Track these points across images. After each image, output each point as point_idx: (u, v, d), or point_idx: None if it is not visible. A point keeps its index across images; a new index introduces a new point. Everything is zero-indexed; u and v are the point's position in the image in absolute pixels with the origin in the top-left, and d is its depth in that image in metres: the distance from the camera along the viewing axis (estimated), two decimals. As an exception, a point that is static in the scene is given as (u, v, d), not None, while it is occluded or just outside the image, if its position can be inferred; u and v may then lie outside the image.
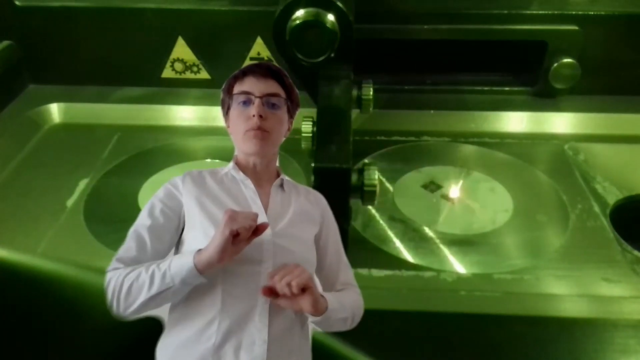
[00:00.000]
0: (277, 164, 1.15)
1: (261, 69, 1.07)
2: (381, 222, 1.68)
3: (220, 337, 0.92)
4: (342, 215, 1.47)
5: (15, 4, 2.15)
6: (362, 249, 1.57)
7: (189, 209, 1.03)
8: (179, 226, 1.03)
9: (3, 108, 2.15)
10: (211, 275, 0.92)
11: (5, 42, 2.20)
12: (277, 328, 0.95)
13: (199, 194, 1.03)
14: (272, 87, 1.06)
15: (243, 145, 1.06)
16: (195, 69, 2.24)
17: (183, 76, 2.25)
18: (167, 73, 2.25)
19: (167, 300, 0.94)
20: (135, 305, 0.93)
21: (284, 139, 1.12)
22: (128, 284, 0.92)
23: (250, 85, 1.05)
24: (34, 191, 1.79)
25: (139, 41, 2.20)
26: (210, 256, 0.89)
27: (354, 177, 1.47)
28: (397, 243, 1.60)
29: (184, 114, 2.16)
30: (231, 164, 1.10)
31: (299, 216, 1.07)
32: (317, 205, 1.13)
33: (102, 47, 2.22)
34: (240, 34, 2.15)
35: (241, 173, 1.07)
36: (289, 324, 0.98)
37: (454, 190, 1.80)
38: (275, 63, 2.16)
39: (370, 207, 1.69)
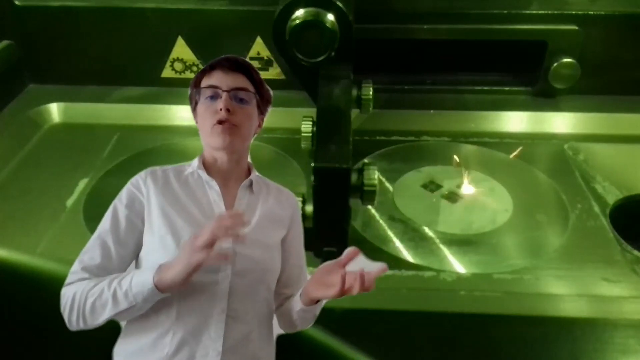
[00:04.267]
0: (249, 159, 1.11)
1: (229, 63, 1.04)
2: (381, 222, 1.68)
3: (174, 348, 0.92)
4: (342, 215, 1.47)
5: (15, 3, 2.15)
6: (362, 249, 1.54)
7: (148, 211, 1.00)
8: (143, 229, 1.00)
9: (3, 108, 2.15)
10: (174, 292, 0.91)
11: (5, 42, 2.20)
12: (233, 338, 0.94)
13: (160, 197, 1.00)
14: (240, 81, 1.03)
15: (210, 139, 1.01)
16: (195, 68, 2.24)
17: (183, 76, 2.25)
18: (167, 73, 2.25)
19: (132, 315, 0.93)
20: (99, 321, 0.92)
21: (254, 135, 1.08)
22: (91, 300, 0.91)
23: (218, 79, 1.02)
24: (34, 191, 1.79)
25: (139, 41, 2.20)
26: (173, 280, 0.87)
27: (354, 177, 1.47)
28: (397, 243, 1.60)
29: (184, 114, 2.15)
30: (196, 161, 1.06)
31: (266, 220, 1.04)
32: (288, 206, 1.10)
33: (102, 47, 2.22)
34: (240, 33, 2.15)
35: (205, 173, 1.04)
36: (246, 332, 0.97)
37: (454, 190, 1.80)
38: (275, 63, 2.18)
39: (370, 207, 1.69)
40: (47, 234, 1.60)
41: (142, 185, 1.02)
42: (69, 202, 1.74)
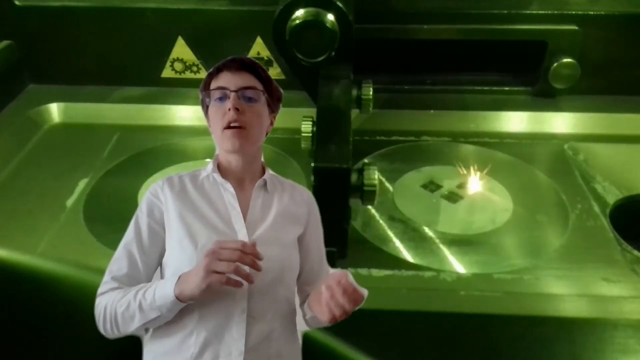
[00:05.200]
0: (262, 159, 1.12)
1: (235, 63, 1.05)
2: (381, 222, 1.68)
3: (199, 348, 0.94)
4: (342, 215, 1.47)
5: (15, 4, 2.15)
6: (362, 249, 1.57)
7: (167, 218, 1.02)
8: (165, 236, 1.03)
9: (3, 108, 2.15)
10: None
11: (5, 42, 2.20)
12: (255, 337, 0.95)
13: (177, 202, 1.02)
14: (248, 80, 1.03)
15: (222, 143, 1.03)
16: (195, 68, 2.24)
17: (183, 76, 2.25)
18: (167, 73, 2.25)
19: (161, 322, 0.96)
20: (131, 329, 0.96)
21: (266, 135, 1.09)
22: (120, 311, 0.95)
23: (225, 80, 1.03)
24: (34, 191, 1.79)
25: (139, 41, 2.20)
26: (192, 294, 0.90)
27: (354, 177, 1.47)
28: (397, 243, 1.60)
29: (184, 114, 2.16)
30: (211, 165, 1.07)
31: (282, 218, 1.05)
32: (303, 204, 1.10)
33: (102, 47, 2.22)
34: (240, 33, 2.15)
35: (220, 176, 1.05)
36: (268, 331, 0.98)
37: (454, 190, 1.80)
38: (275, 63, 2.18)
39: (370, 207, 1.69)
40: (47, 234, 1.60)
41: (160, 193, 1.04)
42: (69, 202, 1.74)
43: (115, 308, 0.95)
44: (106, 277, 1.00)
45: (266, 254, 0.97)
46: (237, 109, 1.00)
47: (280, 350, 0.99)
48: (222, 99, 1.02)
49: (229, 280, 0.88)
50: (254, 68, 1.05)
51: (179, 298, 0.90)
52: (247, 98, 1.02)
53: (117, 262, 1.01)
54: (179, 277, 0.91)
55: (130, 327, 0.95)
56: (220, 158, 1.08)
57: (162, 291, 0.92)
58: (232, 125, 1.00)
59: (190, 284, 0.89)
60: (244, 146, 1.02)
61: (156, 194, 1.04)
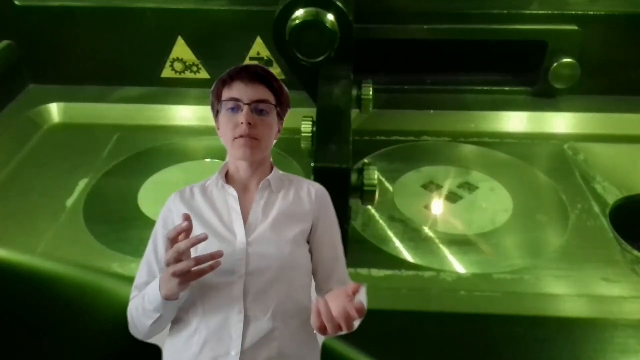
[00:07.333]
0: (271, 159, 1.14)
1: (249, 74, 1.06)
2: (381, 222, 1.68)
3: (199, 347, 0.96)
4: (342, 215, 1.47)
5: (15, 3, 2.15)
6: (361, 248, 1.57)
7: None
8: None
9: (3, 108, 2.15)
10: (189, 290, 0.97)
11: (5, 42, 2.20)
12: (253, 337, 0.96)
13: (184, 211, 1.03)
14: (261, 92, 1.05)
15: (233, 151, 1.06)
16: (194, 68, 2.24)
17: (183, 76, 2.25)
18: (167, 73, 2.25)
19: (167, 321, 1.00)
20: (147, 332, 1.01)
21: (274, 141, 1.11)
22: (135, 315, 1.01)
23: (239, 91, 1.04)
24: (34, 191, 1.79)
25: (139, 41, 2.20)
26: (173, 293, 0.94)
27: (354, 177, 1.47)
28: (397, 243, 1.60)
29: (184, 114, 2.16)
30: (217, 172, 1.10)
31: (284, 215, 1.06)
32: (311, 199, 1.10)
33: (101, 47, 2.22)
34: (240, 33, 2.15)
35: (223, 181, 1.08)
36: (267, 330, 0.97)
37: (454, 190, 1.80)
38: (275, 63, 2.18)
39: (370, 207, 1.69)
40: (47, 234, 1.60)
41: (171, 205, 1.08)
42: (69, 202, 1.74)
43: (132, 314, 1.01)
44: (132, 287, 1.06)
45: (261, 252, 1.00)
46: (249, 123, 1.02)
47: (283, 349, 0.98)
48: (235, 109, 1.04)
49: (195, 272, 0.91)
50: (267, 79, 1.07)
51: (166, 298, 0.94)
52: (259, 111, 1.04)
53: (139, 274, 1.05)
54: (159, 279, 0.95)
55: (144, 328, 0.99)
56: (230, 164, 1.10)
57: (151, 296, 0.97)
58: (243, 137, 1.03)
59: (167, 287, 0.94)
60: (254, 155, 1.05)
61: (169, 206, 1.08)
